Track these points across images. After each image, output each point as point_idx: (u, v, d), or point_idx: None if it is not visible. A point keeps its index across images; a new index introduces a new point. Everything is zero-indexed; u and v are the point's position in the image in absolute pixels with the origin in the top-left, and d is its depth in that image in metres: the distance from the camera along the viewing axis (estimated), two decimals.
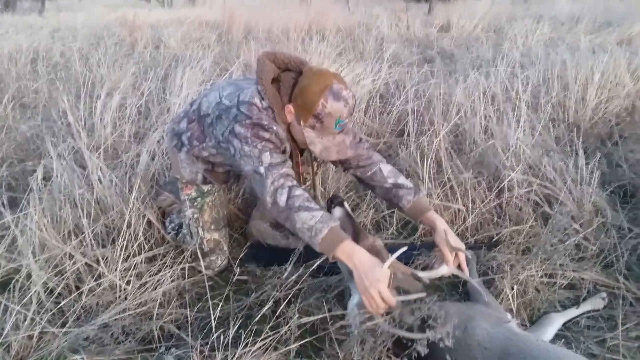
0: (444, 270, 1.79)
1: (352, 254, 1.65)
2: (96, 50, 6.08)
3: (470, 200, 2.60)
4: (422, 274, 1.70)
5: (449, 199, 2.61)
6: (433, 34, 7.66)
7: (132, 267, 2.19)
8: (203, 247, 2.35)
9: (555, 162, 2.73)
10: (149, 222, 2.43)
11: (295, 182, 1.84)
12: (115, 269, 2.15)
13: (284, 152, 2.02)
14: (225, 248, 2.44)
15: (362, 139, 2.15)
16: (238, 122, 1.89)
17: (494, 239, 2.51)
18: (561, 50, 4.94)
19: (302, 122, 1.85)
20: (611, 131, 3.74)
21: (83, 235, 2.28)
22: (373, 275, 1.59)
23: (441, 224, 1.94)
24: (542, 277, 2.17)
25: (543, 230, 2.41)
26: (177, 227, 2.52)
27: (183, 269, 2.25)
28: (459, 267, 1.88)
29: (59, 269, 2.15)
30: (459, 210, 2.59)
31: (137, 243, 2.28)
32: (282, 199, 1.77)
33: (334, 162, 2.21)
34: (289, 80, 1.93)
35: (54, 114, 3.60)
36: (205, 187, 2.33)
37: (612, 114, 3.91)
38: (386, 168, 2.10)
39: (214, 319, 1.78)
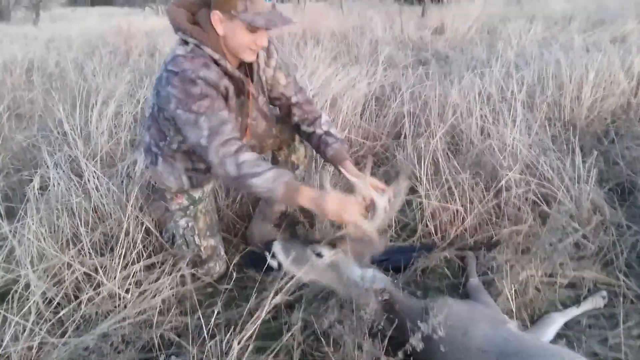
0: (380, 202, 1.77)
1: (314, 198, 1.76)
2: (91, 59, 6.08)
3: (468, 201, 2.60)
4: (370, 224, 1.71)
5: (447, 200, 2.61)
6: (427, 37, 7.67)
7: (131, 275, 2.18)
8: (201, 254, 2.33)
9: (552, 161, 2.73)
10: (147, 230, 2.42)
11: (239, 144, 1.83)
12: (114, 278, 2.14)
13: (224, 95, 1.95)
14: (222, 253, 2.43)
15: (307, 94, 2.31)
16: (170, 84, 1.83)
17: (493, 239, 2.51)
18: (555, 50, 4.95)
19: (233, 12, 1.79)
20: (607, 129, 3.75)
21: (81, 244, 2.27)
22: (338, 205, 1.72)
23: (355, 172, 2.04)
24: (542, 276, 2.17)
25: (542, 230, 2.41)
26: (171, 238, 2.50)
27: (182, 276, 2.24)
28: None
29: (57, 278, 2.15)
30: (457, 210, 2.59)
31: (135, 251, 2.27)
32: (230, 169, 1.80)
33: (283, 111, 2.28)
34: (206, 15, 1.89)
35: (50, 123, 3.59)
36: (196, 194, 2.28)
37: (607, 112, 3.92)
38: (325, 117, 2.26)
39: (209, 328, 1.78)
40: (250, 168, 1.78)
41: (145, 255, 2.31)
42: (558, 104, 3.87)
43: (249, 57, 1.95)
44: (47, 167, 2.63)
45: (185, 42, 1.89)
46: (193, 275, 2.34)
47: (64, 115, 3.29)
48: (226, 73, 1.93)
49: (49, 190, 2.54)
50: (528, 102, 3.76)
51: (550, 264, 2.20)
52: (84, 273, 2.17)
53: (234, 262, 2.41)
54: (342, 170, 2.04)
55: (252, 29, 1.83)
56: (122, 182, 2.73)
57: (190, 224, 2.30)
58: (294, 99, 2.21)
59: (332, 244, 1.74)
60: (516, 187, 2.61)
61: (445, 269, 2.37)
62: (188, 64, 1.83)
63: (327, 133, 2.19)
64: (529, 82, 4.02)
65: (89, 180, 2.55)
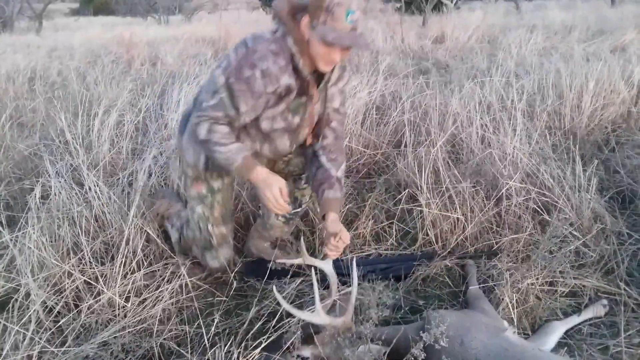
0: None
1: (258, 176, 1.97)
2: (93, 68, 6.11)
3: (469, 210, 2.60)
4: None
5: (447, 209, 2.61)
6: (428, 46, 7.70)
7: (131, 284, 2.18)
8: (212, 241, 2.32)
9: (552, 169, 2.74)
10: (148, 238, 2.43)
11: (223, 121, 1.94)
12: (115, 286, 2.14)
13: (281, 93, 1.97)
14: (230, 240, 2.42)
15: (344, 133, 2.37)
16: (236, 52, 1.93)
17: (493, 248, 2.51)
18: (555, 59, 4.98)
19: (314, 23, 1.82)
20: (607, 138, 3.76)
21: (82, 252, 2.28)
22: (270, 181, 1.96)
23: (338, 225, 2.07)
24: (542, 284, 2.17)
25: (542, 238, 2.41)
26: (180, 228, 2.50)
27: (182, 284, 2.24)
28: None
29: (57, 287, 2.15)
30: (458, 219, 2.59)
31: (136, 259, 2.27)
32: (201, 132, 1.94)
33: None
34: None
35: (52, 132, 3.61)
36: (216, 185, 2.27)
37: (607, 121, 3.93)
38: (344, 167, 2.25)
39: (209, 337, 1.77)
40: (219, 138, 1.93)
41: (145, 263, 2.32)
42: (558, 112, 3.88)
43: (323, 67, 1.97)
44: (49, 176, 2.64)
45: (276, 32, 1.95)
46: (193, 283, 2.34)
47: (65, 124, 3.31)
48: (296, 70, 1.96)
49: (50, 199, 2.54)
50: (528, 111, 3.78)
51: (550, 272, 2.20)
52: (85, 282, 2.17)
53: (234, 270, 2.41)
54: (326, 219, 2.08)
55: (325, 42, 1.85)
56: (123, 190, 2.74)
57: (206, 213, 2.30)
58: (333, 124, 2.20)
59: (307, 338, 1.76)
60: (516, 195, 2.61)
61: (446, 277, 2.38)
62: (263, 47, 1.89)
63: (339, 180, 2.16)
64: (529, 91, 4.03)
65: (90, 189, 2.56)
